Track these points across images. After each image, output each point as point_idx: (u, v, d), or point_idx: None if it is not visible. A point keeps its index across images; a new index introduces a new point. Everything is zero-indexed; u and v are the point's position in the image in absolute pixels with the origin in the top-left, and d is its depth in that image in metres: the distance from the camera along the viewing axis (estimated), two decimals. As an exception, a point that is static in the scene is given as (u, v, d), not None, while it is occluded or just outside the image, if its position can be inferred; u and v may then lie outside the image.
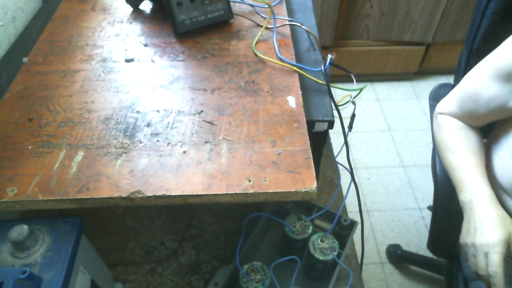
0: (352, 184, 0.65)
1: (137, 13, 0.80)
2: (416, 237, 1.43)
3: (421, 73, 2.05)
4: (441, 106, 0.72)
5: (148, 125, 0.56)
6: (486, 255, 0.56)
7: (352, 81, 0.70)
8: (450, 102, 0.70)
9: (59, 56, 0.69)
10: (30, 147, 0.53)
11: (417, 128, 1.83)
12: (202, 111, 0.58)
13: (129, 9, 0.81)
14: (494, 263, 0.55)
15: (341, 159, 0.68)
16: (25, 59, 0.68)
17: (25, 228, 0.45)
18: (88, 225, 0.52)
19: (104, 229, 0.76)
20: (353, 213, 1.36)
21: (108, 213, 0.78)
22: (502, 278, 0.54)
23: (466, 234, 0.61)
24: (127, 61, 0.68)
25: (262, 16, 0.77)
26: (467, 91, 0.66)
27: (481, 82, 0.63)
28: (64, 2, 0.83)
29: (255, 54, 0.68)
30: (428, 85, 2.03)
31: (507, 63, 0.58)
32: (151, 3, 0.82)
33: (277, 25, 0.73)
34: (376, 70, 1.97)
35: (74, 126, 0.56)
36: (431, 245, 0.87)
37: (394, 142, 1.78)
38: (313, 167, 0.50)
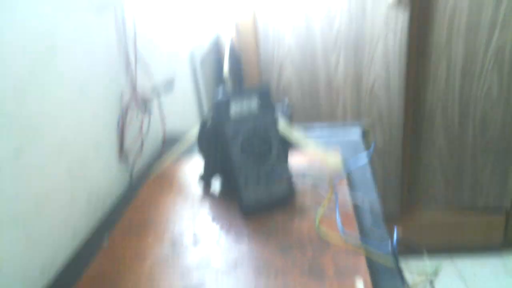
0: None
1: (207, 192, 0.84)
2: None
3: (508, 244, 1.80)
4: None
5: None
6: None
7: (427, 257, 0.63)
8: None
9: (134, 237, 0.71)
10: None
11: None
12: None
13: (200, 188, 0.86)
14: None
15: None
16: (105, 243, 0.70)
17: None
18: None
19: None
20: None
21: None
22: None
23: None
24: (194, 243, 0.68)
25: (324, 190, 0.77)
26: None
27: None
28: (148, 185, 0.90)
29: (318, 233, 0.65)
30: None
31: None
32: (221, 185, 0.86)
33: (339, 202, 0.72)
34: (454, 242, 1.78)
35: None
36: None
37: None
38: None
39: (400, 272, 0.58)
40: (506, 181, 1.64)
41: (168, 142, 1.06)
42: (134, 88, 0.93)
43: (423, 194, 1.72)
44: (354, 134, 1.03)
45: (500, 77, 1.46)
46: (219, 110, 0.72)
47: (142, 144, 0.98)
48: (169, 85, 1.06)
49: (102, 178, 0.84)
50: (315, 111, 1.60)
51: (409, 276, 0.60)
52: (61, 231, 0.69)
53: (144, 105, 0.97)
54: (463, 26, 1.40)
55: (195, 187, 0.87)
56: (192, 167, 0.95)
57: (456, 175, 1.66)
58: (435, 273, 0.61)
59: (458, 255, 1.80)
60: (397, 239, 0.59)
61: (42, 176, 0.64)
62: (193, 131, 0.88)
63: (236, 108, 0.72)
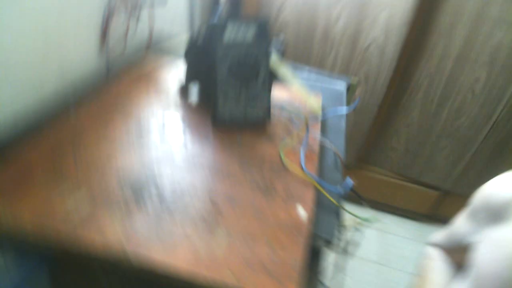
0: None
1: (184, 98, 0.88)
2: None
3: (431, 217, 2.05)
4: (432, 238, 0.77)
5: (158, 189, 0.59)
6: None
7: (364, 206, 0.71)
8: (439, 235, 0.75)
9: (101, 120, 0.75)
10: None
11: (410, 272, 1.77)
12: (214, 195, 0.60)
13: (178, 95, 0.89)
14: None
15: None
16: (72, 110, 0.74)
17: None
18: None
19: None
20: None
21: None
22: None
23: None
24: (161, 140, 0.73)
25: (297, 127, 0.83)
26: (449, 227, 0.71)
27: (460, 218, 0.68)
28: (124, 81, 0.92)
29: (281, 159, 0.72)
30: (435, 232, 2.00)
31: (475, 202, 0.62)
32: (198, 93, 0.90)
33: (308, 139, 0.78)
34: (389, 201, 1.99)
35: (91, 171, 0.59)
36: None
37: (381, 277, 1.71)
38: (299, 282, 0.50)
39: (338, 210, 0.66)
40: (455, 168, 1.79)
41: (153, 49, 1.07)
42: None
43: (382, 154, 1.85)
44: (340, 85, 1.07)
45: (489, 74, 1.51)
46: (214, 32, 0.74)
47: (125, 46, 0.99)
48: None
49: (78, 59, 0.86)
50: (306, 56, 1.61)
51: (346, 218, 0.69)
52: (29, 87, 0.73)
53: (134, 9, 0.97)
54: (470, 14, 1.41)
55: (173, 93, 0.90)
56: (174, 75, 0.97)
57: (416, 148, 1.79)
58: (368, 221, 0.70)
59: (388, 213, 2.04)
60: (348, 185, 0.66)
61: (14, 34, 0.66)
62: (180, 41, 0.90)
63: (231, 34, 0.74)
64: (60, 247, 0.49)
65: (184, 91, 0.90)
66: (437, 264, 0.72)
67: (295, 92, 0.94)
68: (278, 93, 0.93)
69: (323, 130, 0.87)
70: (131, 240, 0.50)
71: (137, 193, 0.58)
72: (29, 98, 0.73)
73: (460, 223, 0.66)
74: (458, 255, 0.69)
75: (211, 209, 0.57)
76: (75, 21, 0.82)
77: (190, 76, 0.88)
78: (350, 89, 1.09)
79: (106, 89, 0.86)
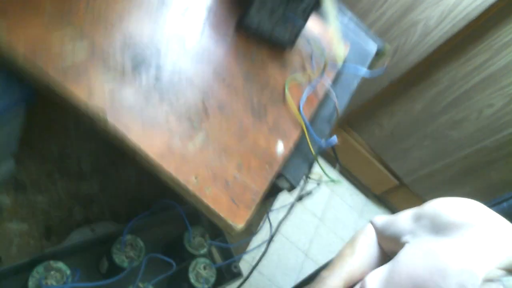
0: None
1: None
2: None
3: (380, 199, 2.16)
4: (376, 218, 0.78)
5: (158, 69, 0.55)
6: None
7: (334, 166, 0.72)
8: (382, 218, 0.76)
9: None
10: None
11: (341, 237, 1.90)
12: (207, 95, 0.58)
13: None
14: None
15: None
16: None
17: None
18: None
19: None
20: (247, 265, 1.38)
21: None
22: None
23: None
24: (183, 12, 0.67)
25: (313, 66, 0.79)
26: (393, 216, 0.73)
27: (405, 214, 0.69)
28: None
29: (283, 88, 0.69)
30: (376, 213, 2.13)
31: (425, 208, 0.64)
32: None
33: (316, 85, 0.75)
34: (352, 170, 2.05)
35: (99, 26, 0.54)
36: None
37: (317, 232, 1.84)
38: (252, 211, 0.51)
39: (313, 161, 0.66)
40: (422, 168, 1.84)
41: None
42: None
43: (368, 127, 1.86)
44: (371, 46, 1.01)
45: (505, 106, 1.49)
46: None
47: None
48: None
49: None
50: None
51: (314, 172, 0.70)
52: None
53: None
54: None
55: None
56: None
57: (400, 136, 1.80)
58: (334, 182, 0.72)
59: (346, 179, 2.12)
60: (331, 143, 0.66)
61: None
62: None
63: None
64: (45, 83, 0.46)
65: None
66: (368, 241, 0.75)
67: (329, 32, 0.89)
68: (311, 25, 0.87)
69: (335, 81, 0.84)
70: (114, 106, 0.48)
71: (136, 65, 0.54)
72: None
73: (404, 219, 0.68)
74: (388, 243, 0.72)
75: (199, 109, 0.55)
76: None
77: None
78: (378, 54, 1.04)
79: None
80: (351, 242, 0.75)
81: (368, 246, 0.74)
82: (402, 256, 0.59)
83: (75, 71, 0.47)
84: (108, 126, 0.46)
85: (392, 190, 2.03)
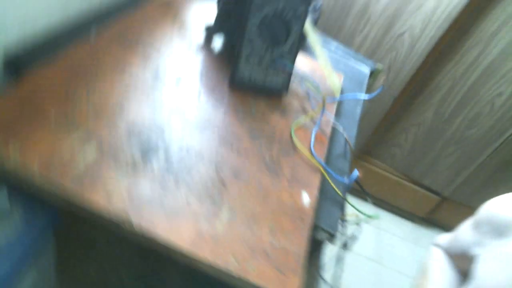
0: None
1: (207, 45, 0.80)
2: None
3: (428, 221, 2.01)
4: (438, 239, 0.75)
5: (166, 151, 0.53)
6: None
7: (366, 200, 0.67)
8: (444, 237, 0.73)
9: (120, 47, 0.68)
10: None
11: (407, 274, 1.74)
12: (220, 166, 0.54)
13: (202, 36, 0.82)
14: None
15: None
16: (93, 32, 0.67)
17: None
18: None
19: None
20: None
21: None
22: None
23: None
24: (176, 83, 0.66)
25: (312, 104, 0.76)
26: (453, 233, 0.70)
27: (464, 226, 0.67)
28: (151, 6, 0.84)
29: (291, 136, 0.66)
30: (430, 236, 1.97)
31: (480, 214, 0.62)
32: (223, 44, 0.82)
33: (321, 122, 0.72)
34: (386, 199, 1.95)
35: (100, 118, 0.53)
36: None
37: (379, 276, 1.68)
38: (300, 275, 0.45)
39: (343, 203, 0.61)
40: (458, 176, 1.74)
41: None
42: None
43: (387, 150, 1.79)
44: (364, 69, 1.00)
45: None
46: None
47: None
48: None
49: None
50: (337, 28, 1.52)
51: (348, 212, 0.64)
52: (55, 3, 0.65)
53: None
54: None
55: (197, 33, 0.82)
56: (202, 15, 0.89)
57: (422, 150, 1.73)
58: (371, 218, 0.65)
59: (385, 210, 2.01)
60: (354, 177, 0.61)
61: None
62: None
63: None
64: (64, 198, 0.43)
65: (209, 36, 0.82)
66: (440, 265, 0.71)
67: (319, 65, 0.87)
68: (301, 64, 0.86)
69: (338, 113, 0.81)
70: (134, 204, 0.44)
71: (145, 153, 0.51)
72: (53, 15, 0.65)
73: (465, 232, 0.66)
74: (460, 262, 0.69)
75: (215, 182, 0.52)
76: None
77: (219, 23, 0.80)
78: (373, 74, 1.02)
79: (131, 12, 0.78)
80: (423, 272, 0.71)
81: (441, 271, 0.69)
82: (479, 272, 0.56)
83: (89, 177, 0.45)
84: (134, 228, 0.43)
85: (437, 207, 1.90)
